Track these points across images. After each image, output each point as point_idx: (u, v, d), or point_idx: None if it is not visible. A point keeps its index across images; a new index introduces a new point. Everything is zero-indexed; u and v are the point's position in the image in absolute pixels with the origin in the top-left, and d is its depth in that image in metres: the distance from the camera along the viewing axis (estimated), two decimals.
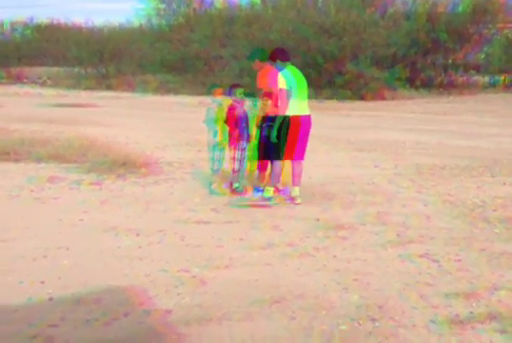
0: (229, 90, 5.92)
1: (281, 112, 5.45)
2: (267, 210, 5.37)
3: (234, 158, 5.85)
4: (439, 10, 20.84)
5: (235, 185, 5.98)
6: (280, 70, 5.58)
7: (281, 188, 5.75)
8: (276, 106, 5.47)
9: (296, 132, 5.48)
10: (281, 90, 5.44)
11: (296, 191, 5.60)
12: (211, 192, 5.87)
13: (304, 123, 5.54)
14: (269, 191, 5.57)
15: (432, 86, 20.68)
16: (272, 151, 5.52)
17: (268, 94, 5.53)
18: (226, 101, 5.88)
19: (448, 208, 5.52)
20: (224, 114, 5.84)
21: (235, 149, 5.84)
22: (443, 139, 10.07)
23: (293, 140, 5.49)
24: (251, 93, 6.03)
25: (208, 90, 6.35)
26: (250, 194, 5.67)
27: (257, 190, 5.71)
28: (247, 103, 5.91)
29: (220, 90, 6.17)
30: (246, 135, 5.83)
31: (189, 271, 3.80)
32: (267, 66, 5.75)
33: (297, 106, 5.53)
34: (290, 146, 5.50)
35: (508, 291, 3.54)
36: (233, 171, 5.89)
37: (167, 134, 10.17)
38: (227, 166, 5.94)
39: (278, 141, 5.44)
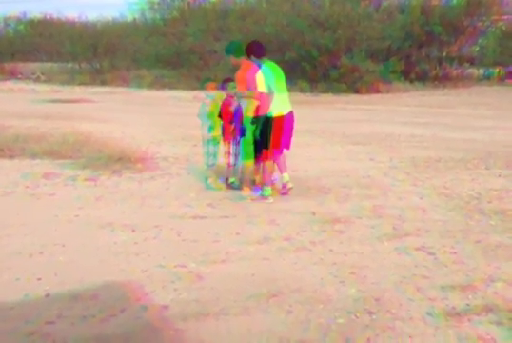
0: (222, 85, 5.90)
1: (262, 113, 5.45)
2: (263, 204, 5.37)
3: (229, 153, 5.85)
4: (433, 2, 20.83)
5: (231, 179, 5.97)
6: (258, 66, 5.44)
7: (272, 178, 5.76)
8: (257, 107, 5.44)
9: (280, 131, 5.49)
10: (261, 94, 5.38)
11: (286, 177, 5.70)
12: (207, 187, 5.87)
13: (287, 121, 5.54)
14: (268, 191, 5.55)
15: (427, 79, 20.69)
16: (260, 149, 5.54)
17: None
18: (220, 95, 5.86)
19: (444, 200, 5.53)
20: (218, 109, 5.83)
21: (230, 143, 5.83)
22: (437, 132, 10.08)
23: (278, 137, 5.50)
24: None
25: (202, 84, 6.31)
26: (249, 194, 5.61)
27: (255, 189, 5.65)
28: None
29: (213, 84, 6.16)
30: (240, 129, 5.82)
31: (186, 266, 3.80)
32: (245, 62, 5.59)
33: (279, 104, 5.47)
34: (276, 142, 5.50)
35: (504, 282, 3.56)
36: (228, 165, 5.89)
37: (162, 129, 10.15)
38: (222, 160, 5.93)
39: (265, 140, 5.45)
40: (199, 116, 5.95)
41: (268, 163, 5.59)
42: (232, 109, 5.78)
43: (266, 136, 5.47)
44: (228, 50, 5.78)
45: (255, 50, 5.55)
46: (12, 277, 3.61)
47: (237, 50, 5.68)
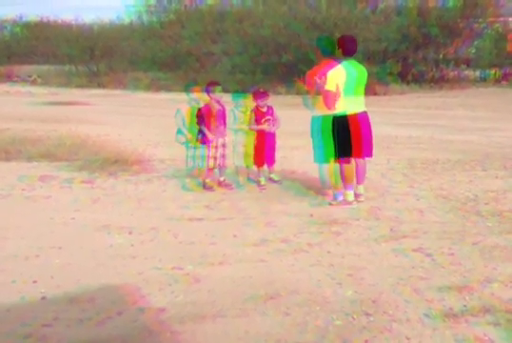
0: (207, 88, 5.92)
1: (326, 112, 5.21)
2: (260, 206, 5.36)
3: (214, 157, 5.86)
4: (429, 4, 20.83)
5: (221, 178, 6.04)
6: (339, 62, 5.20)
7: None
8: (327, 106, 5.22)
9: (358, 130, 5.24)
10: (327, 91, 5.14)
11: (361, 188, 5.44)
12: (184, 189, 5.91)
13: (362, 120, 5.30)
14: (350, 195, 5.37)
15: (423, 80, 20.70)
16: (337, 151, 5.27)
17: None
18: (204, 99, 5.91)
19: (441, 202, 5.53)
20: (194, 112, 5.89)
21: (213, 147, 5.85)
22: (434, 133, 10.09)
23: (357, 138, 5.25)
24: (243, 91, 6.08)
25: (186, 87, 6.37)
26: (331, 200, 5.42)
27: (337, 195, 5.43)
28: (235, 100, 6.06)
29: (198, 87, 6.17)
30: (223, 132, 5.93)
31: (183, 268, 3.79)
32: (326, 61, 5.29)
33: (353, 103, 5.26)
34: (356, 144, 5.26)
35: (501, 283, 3.56)
36: (208, 168, 5.92)
37: (158, 132, 10.12)
38: (206, 163, 5.91)
39: (335, 141, 5.23)
40: (176, 119, 6.01)
41: (347, 166, 5.32)
42: (215, 112, 5.85)
43: (336, 137, 5.21)
44: (319, 44, 5.51)
45: (346, 46, 5.22)
46: (9, 280, 3.60)
47: (324, 43, 5.43)
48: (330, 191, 5.56)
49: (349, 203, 5.34)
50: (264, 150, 6.17)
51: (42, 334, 2.94)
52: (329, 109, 5.20)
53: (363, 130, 5.34)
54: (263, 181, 6.16)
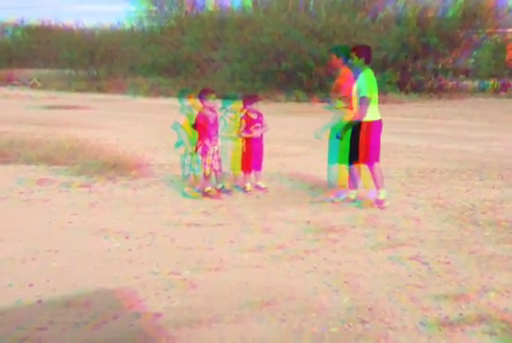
0: (201, 95, 5.89)
1: (358, 118, 5.45)
2: (258, 212, 5.37)
3: (211, 164, 5.84)
4: (429, 14, 20.98)
5: (219, 185, 6.00)
6: (356, 73, 5.51)
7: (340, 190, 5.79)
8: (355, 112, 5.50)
9: (370, 137, 5.48)
10: (363, 97, 5.42)
11: (383, 193, 5.61)
12: (184, 196, 5.87)
13: (376, 127, 5.55)
14: (353, 194, 5.74)
15: (422, 90, 20.78)
16: (351, 154, 5.55)
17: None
18: (197, 106, 5.89)
19: (438, 211, 5.55)
20: (192, 120, 5.85)
21: (208, 154, 5.82)
22: (432, 143, 10.12)
23: (367, 144, 5.49)
24: (232, 96, 6.11)
25: (181, 94, 6.27)
26: (334, 198, 5.74)
27: (339, 194, 5.77)
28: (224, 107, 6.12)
29: (192, 94, 6.13)
30: (217, 139, 5.92)
31: (180, 273, 3.79)
32: (346, 70, 5.65)
33: (370, 111, 5.51)
34: (366, 150, 5.50)
35: (497, 293, 3.57)
36: (205, 176, 5.88)
37: (157, 137, 10.15)
38: (201, 170, 5.87)
39: (356, 145, 5.47)
40: (173, 126, 5.98)
41: (354, 167, 5.64)
42: (211, 120, 5.83)
43: (358, 141, 5.48)
44: (334, 50, 5.90)
45: (367, 54, 5.61)
46: (5, 283, 3.59)
47: (342, 51, 5.76)
48: (333, 190, 5.81)
49: (382, 202, 5.58)
50: (251, 156, 6.16)
51: (37, 338, 2.93)
52: (362, 115, 5.46)
53: (373, 136, 5.56)
54: (249, 187, 6.15)
